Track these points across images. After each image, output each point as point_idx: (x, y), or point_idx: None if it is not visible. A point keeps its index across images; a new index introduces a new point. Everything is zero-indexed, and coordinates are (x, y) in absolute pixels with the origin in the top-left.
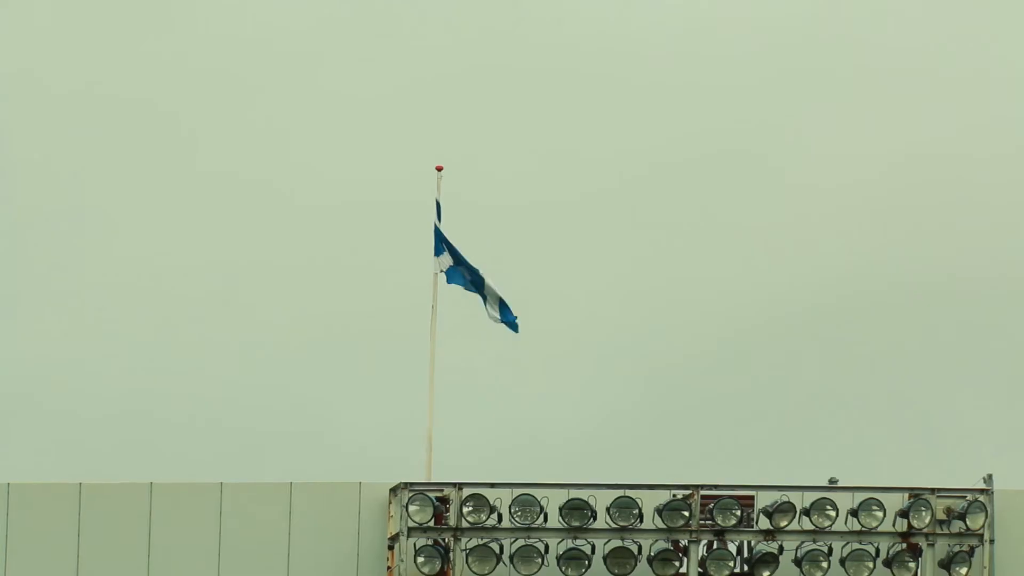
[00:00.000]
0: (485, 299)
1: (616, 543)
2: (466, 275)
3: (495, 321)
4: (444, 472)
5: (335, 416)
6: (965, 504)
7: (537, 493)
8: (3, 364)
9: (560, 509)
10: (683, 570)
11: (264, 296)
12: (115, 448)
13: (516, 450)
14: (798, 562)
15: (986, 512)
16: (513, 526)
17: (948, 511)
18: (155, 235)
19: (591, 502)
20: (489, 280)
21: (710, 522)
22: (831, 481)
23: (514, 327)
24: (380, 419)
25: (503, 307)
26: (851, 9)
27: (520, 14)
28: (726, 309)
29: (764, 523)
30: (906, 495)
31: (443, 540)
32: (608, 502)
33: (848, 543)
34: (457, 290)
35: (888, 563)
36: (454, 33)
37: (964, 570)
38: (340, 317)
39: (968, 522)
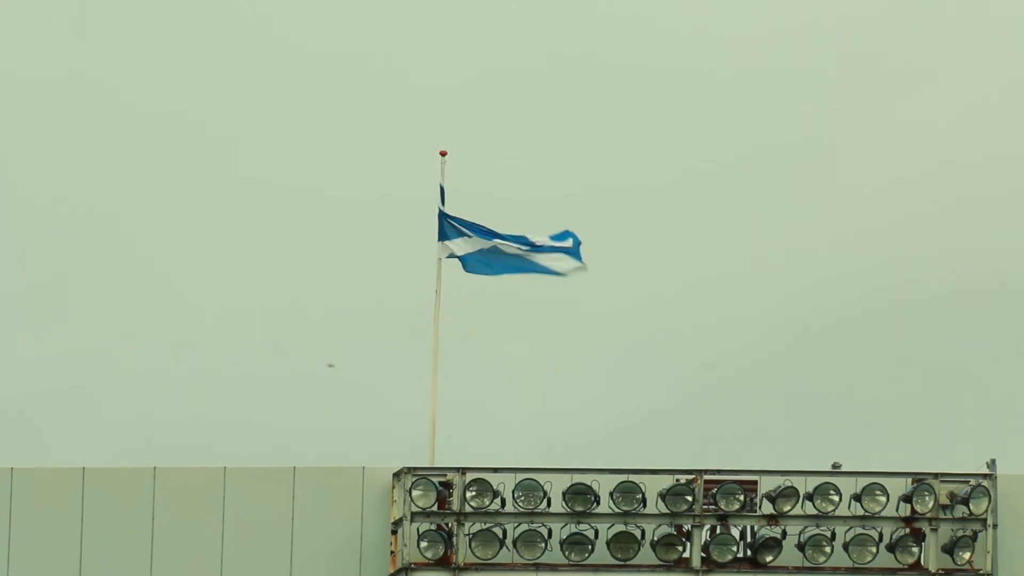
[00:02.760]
0: (534, 267)
1: (619, 528)
2: (490, 255)
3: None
4: (447, 457)
5: (339, 401)
6: (968, 489)
7: (540, 478)
8: (19, 360)
9: (563, 494)
10: (686, 555)
11: (267, 290)
12: (117, 439)
13: (520, 438)
14: (801, 547)
15: (989, 497)
16: (516, 511)
17: (951, 496)
18: (156, 235)
19: (594, 487)
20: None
21: (713, 507)
22: (834, 466)
23: (576, 253)
24: (384, 404)
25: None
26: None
27: (532, 9)
28: (729, 308)
29: (767, 508)
30: (909, 480)
31: (446, 525)
32: (611, 487)
33: (851, 528)
34: (462, 276)
35: (891, 548)
36: (474, 32)
37: (967, 555)
38: (345, 303)
39: (971, 507)
